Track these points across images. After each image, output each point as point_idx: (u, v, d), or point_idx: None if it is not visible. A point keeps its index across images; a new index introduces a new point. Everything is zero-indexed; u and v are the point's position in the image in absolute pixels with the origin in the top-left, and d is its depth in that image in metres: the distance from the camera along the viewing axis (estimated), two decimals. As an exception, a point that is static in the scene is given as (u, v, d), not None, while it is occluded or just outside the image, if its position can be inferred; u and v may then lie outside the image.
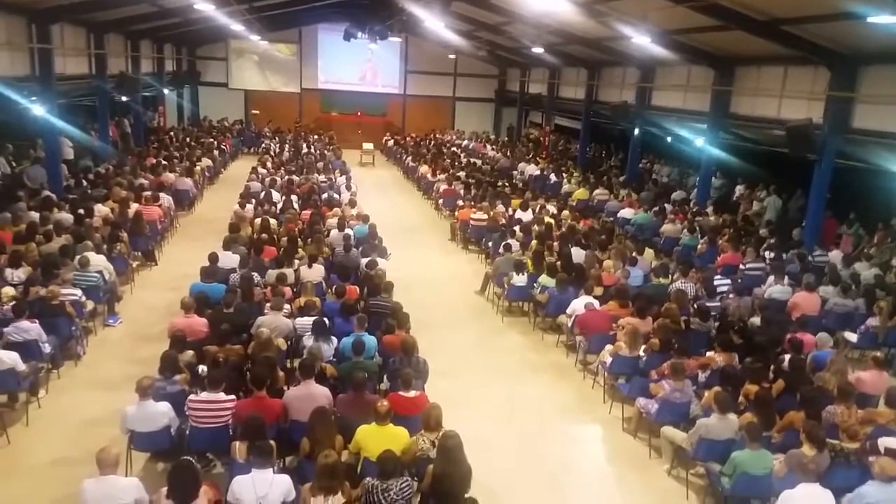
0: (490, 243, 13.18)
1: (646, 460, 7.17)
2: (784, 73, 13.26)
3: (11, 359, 6.86)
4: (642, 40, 13.66)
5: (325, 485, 4.91)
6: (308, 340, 7.38)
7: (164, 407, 5.99)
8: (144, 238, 12.03)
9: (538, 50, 20.16)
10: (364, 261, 10.31)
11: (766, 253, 11.96)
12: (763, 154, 14.70)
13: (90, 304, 9.08)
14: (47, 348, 7.64)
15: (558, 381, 8.91)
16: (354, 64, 29.99)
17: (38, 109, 13.26)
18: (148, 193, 13.60)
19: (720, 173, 17.56)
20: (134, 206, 12.67)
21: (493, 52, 26.99)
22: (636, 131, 18.95)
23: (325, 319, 7.71)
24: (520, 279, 10.56)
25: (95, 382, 8.02)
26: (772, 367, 7.55)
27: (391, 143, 27.25)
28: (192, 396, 6.11)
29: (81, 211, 11.66)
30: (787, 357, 7.60)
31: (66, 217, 11.60)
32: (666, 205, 15.66)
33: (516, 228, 13.27)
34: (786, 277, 10.44)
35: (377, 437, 5.58)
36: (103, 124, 18.78)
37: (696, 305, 9.38)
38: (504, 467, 6.79)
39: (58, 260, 9.25)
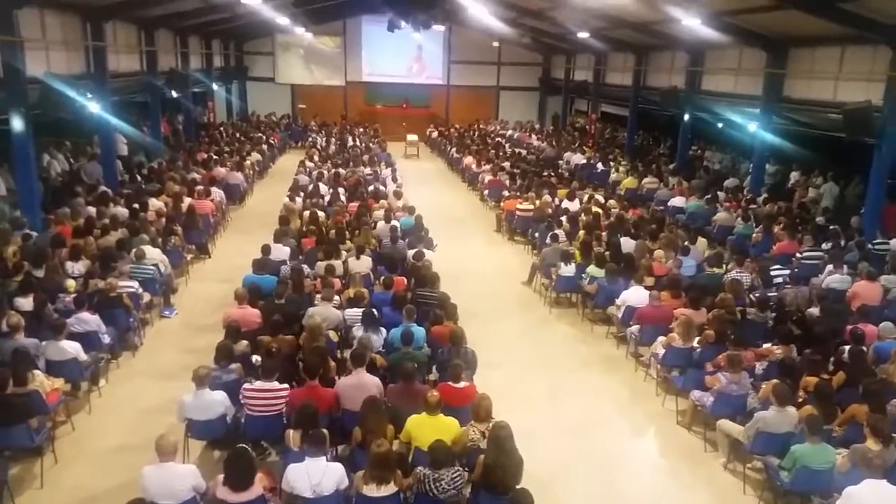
0: (536, 234, 13.09)
1: (701, 454, 7.03)
2: (841, 53, 12.76)
3: (74, 349, 7.10)
4: (692, 23, 13.31)
5: (377, 474, 4.96)
6: (358, 331, 7.45)
7: (220, 396, 6.11)
8: (198, 231, 12.31)
9: (584, 35, 19.83)
10: (411, 252, 10.33)
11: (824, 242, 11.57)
12: (819, 139, 14.16)
13: (147, 296, 9.32)
14: (106, 339, 7.87)
15: (609, 372, 8.79)
16: (398, 55, 29.93)
17: (93, 107, 13.59)
18: (200, 188, 13.89)
19: (774, 160, 16.99)
20: (187, 201, 12.93)
21: (538, 38, 26.68)
22: (686, 117, 18.48)
23: (374, 310, 7.76)
24: (568, 270, 10.45)
25: (153, 372, 8.25)
26: (832, 358, 7.32)
27: (435, 134, 27.24)
28: (246, 385, 6.22)
29: (136, 205, 11.93)
30: (847, 348, 7.36)
31: (122, 211, 11.91)
32: (718, 192, 15.29)
33: (563, 219, 13.13)
34: (845, 266, 10.09)
35: (428, 428, 5.60)
36: (155, 120, 19.21)
37: (752, 296, 9.14)
38: (555, 459, 6.73)
39: (115, 253, 9.50)
